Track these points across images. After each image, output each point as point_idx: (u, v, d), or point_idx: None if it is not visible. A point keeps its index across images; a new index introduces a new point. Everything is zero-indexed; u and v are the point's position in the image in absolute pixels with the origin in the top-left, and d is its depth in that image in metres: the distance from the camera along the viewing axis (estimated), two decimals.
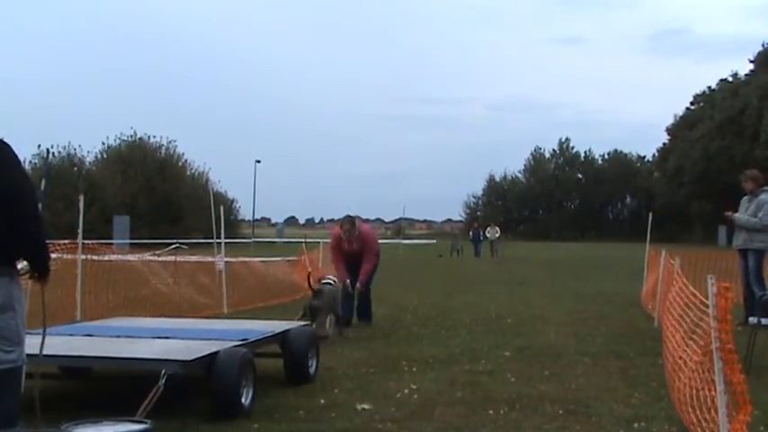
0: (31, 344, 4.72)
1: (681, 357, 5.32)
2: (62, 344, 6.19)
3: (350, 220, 10.62)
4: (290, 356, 6.78)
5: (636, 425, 5.39)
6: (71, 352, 6.01)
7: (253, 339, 6.58)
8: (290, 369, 6.78)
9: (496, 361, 8.01)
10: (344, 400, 6.14)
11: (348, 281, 10.48)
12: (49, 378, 6.28)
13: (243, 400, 5.66)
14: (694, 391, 4.90)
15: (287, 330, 7.05)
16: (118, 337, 6.72)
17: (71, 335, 6.86)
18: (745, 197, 10.51)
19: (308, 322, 8.53)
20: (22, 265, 4.38)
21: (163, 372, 5.34)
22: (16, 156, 4.37)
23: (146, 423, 4.32)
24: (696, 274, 8.59)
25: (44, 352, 5.15)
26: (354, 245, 10.58)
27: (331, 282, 10.03)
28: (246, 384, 5.72)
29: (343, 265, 10.64)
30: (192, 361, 5.60)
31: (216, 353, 5.76)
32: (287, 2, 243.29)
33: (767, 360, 7.64)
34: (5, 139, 4.33)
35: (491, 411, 5.77)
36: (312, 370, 6.94)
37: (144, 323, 7.99)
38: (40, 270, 4.41)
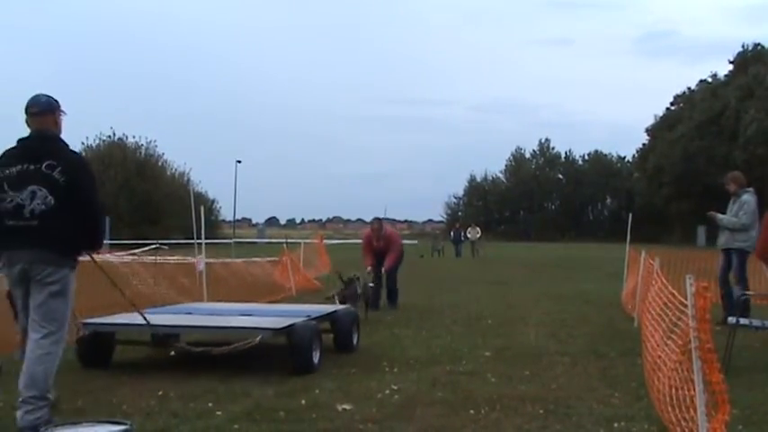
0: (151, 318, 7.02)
1: (660, 357, 5.35)
2: (177, 319, 8.14)
3: (378, 220, 13.76)
4: (338, 331, 8.52)
5: (616, 424, 5.42)
6: (192, 323, 8.04)
7: (315, 316, 8.19)
8: (339, 341, 8.49)
9: (477, 361, 8.03)
10: (325, 400, 6.13)
11: (372, 267, 13.28)
12: (142, 345, 8.13)
13: (314, 360, 7.32)
14: (673, 391, 4.92)
15: (336, 311, 8.92)
16: (211, 314, 8.48)
17: (174, 313, 8.62)
18: (732, 199, 10.61)
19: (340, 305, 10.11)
20: None
21: (259, 336, 7.08)
22: (88, 163, 5.17)
23: (125, 424, 4.30)
24: (675, 275, 8.64)
25: (169, 323, 7.81)
26: (381, 242, 13.39)
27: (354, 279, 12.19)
28: (316, 348, 7.38)
29: (371, 258, 13.41)
30: (280, 329, 7.30)
31: (294, 324, 7.39)
32: (267, 3, 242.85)
33: (745, 360, 7.72)
34: None
35: (472, 411, 5.79)
36: (355, 342, 8.64)
37: (217, 306, 9.71)
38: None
